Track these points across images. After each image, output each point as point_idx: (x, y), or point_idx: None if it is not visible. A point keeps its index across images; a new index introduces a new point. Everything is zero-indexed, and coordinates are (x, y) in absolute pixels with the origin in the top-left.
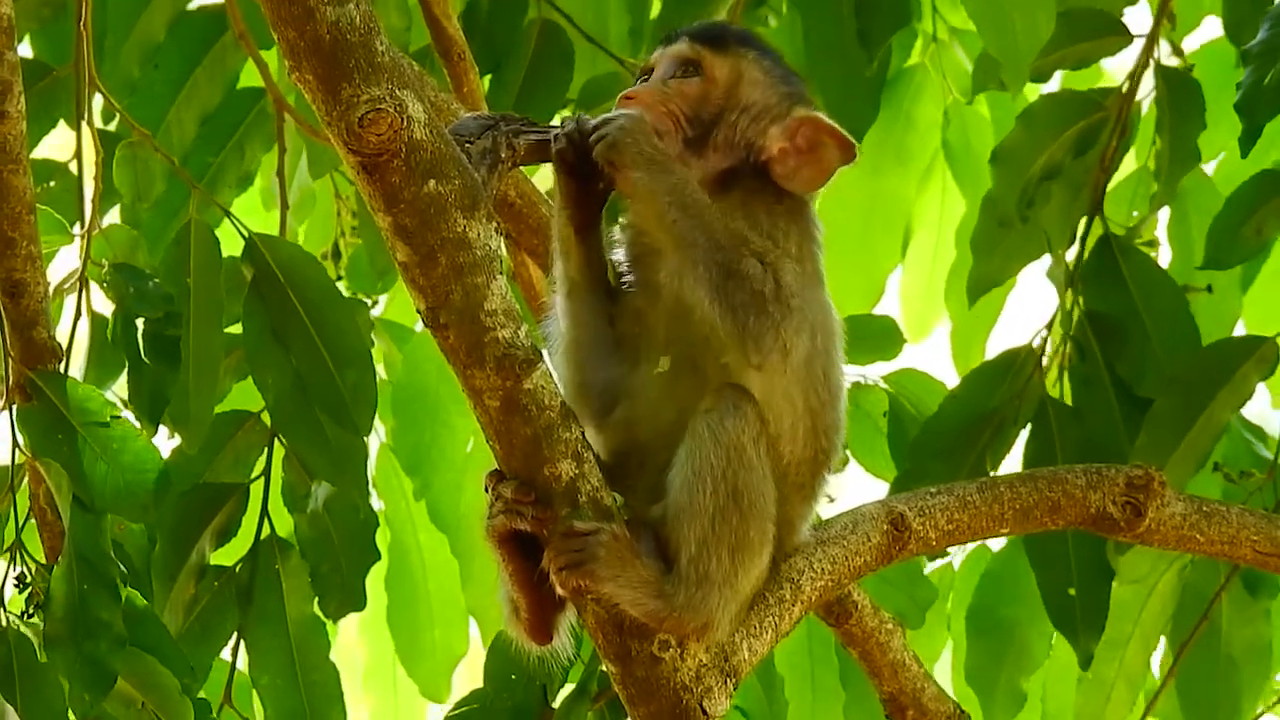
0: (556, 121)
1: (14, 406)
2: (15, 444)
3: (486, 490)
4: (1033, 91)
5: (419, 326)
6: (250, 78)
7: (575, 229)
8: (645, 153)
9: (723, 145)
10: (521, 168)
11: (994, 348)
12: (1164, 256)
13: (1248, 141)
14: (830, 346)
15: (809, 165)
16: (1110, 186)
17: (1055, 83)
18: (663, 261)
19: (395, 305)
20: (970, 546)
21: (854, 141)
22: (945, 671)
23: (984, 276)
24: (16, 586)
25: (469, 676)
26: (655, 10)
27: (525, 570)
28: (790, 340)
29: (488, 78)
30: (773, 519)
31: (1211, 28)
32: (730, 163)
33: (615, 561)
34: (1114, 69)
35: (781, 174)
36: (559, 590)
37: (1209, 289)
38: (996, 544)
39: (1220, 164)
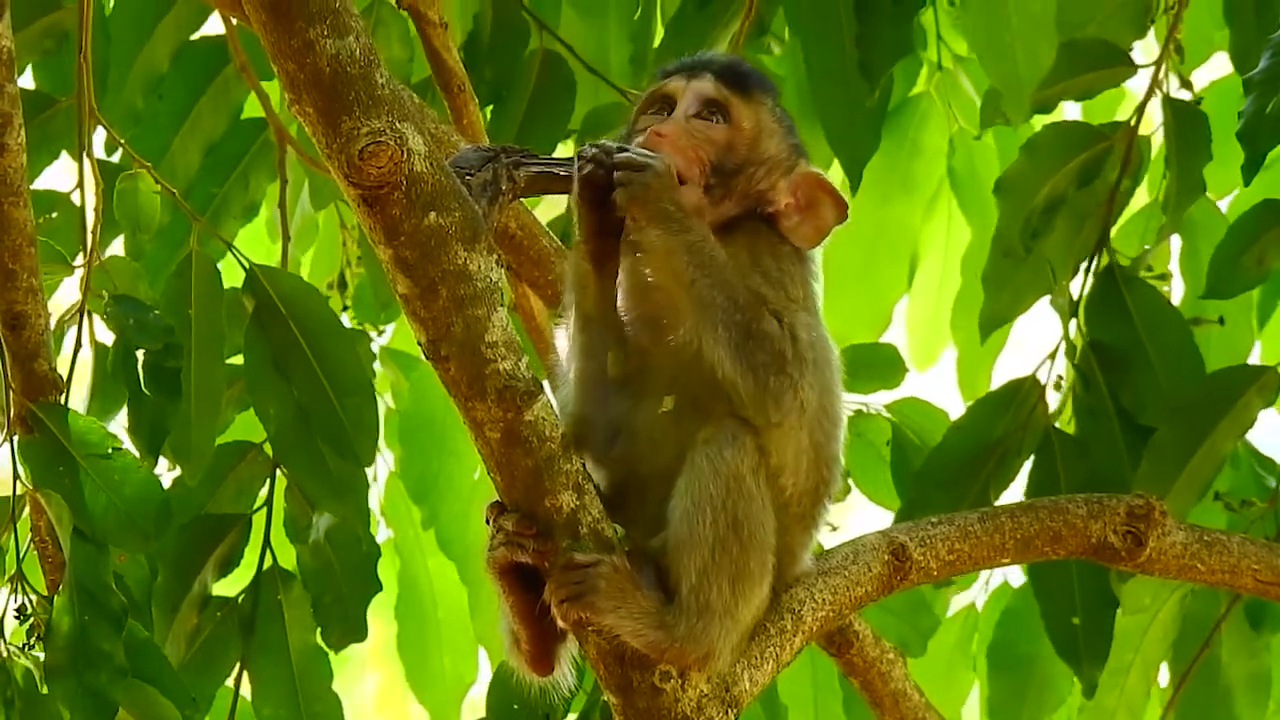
0: (559, 154)
1: (15, 438)
2: (16, 476)
3: (488, 522)
4: (1041, 122)
5: None
6: (254, 108)
7: (593, 263)
8: (666, 210)
9: (738, 195)
10: (522, 200)
11: (1000, 373)
12: (1177, 289)
13: (1250, 170)
14: (832, 382)
15: (808, 223)
16: (1121, 220)
17: (1073, 112)
18: (679, 317)
19: (402, 335)
20: (992, 586)
21: (847, 202)
22: (974, 713)
23: (995, 313)
24: (17, 618)
25: (480, 704)
26: (657, 38)
27: (526, 602)
28: (807, 395)
29: (488, 109)
30: (772, 549)
31: (1223, 64)
32: (741, 211)
33: (616, 593)
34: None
35: (787, 228)
36: (560, 622)
37: (1220, 321)
38: (1018, 580)
39: (1235, 200)
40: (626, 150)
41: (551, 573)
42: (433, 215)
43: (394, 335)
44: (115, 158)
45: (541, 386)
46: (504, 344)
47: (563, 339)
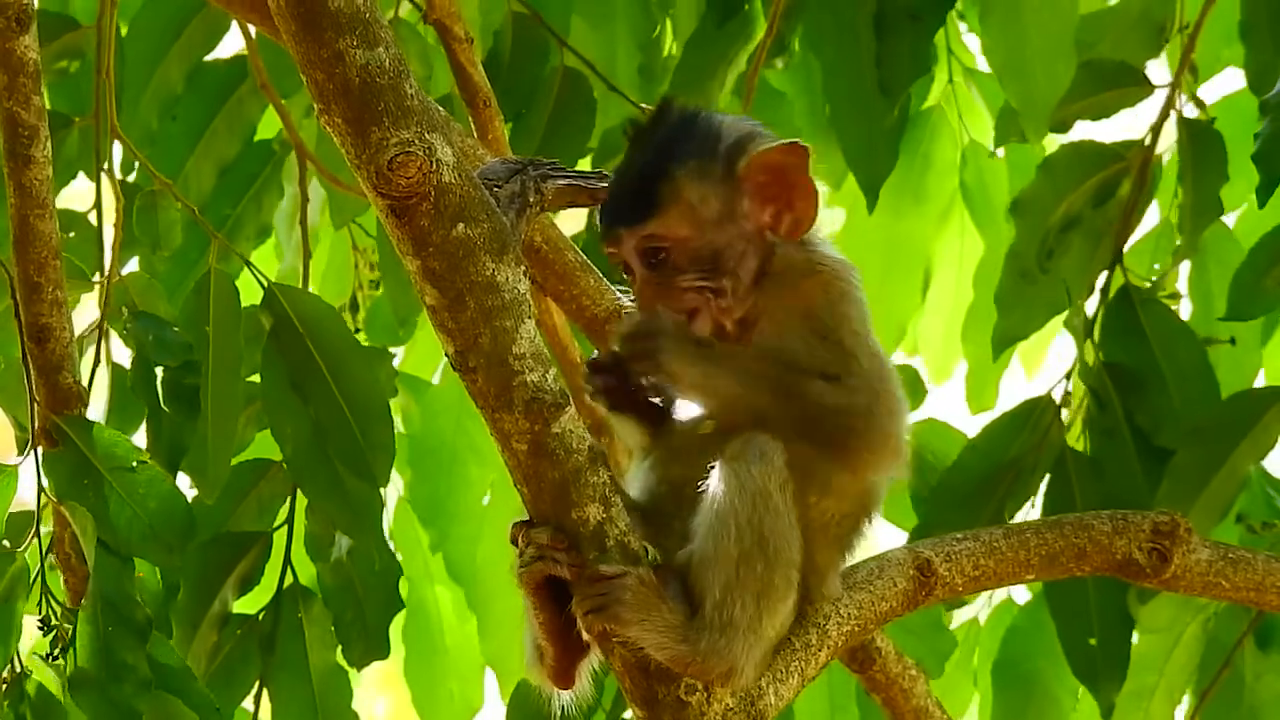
0: (583, 166)
1: (40, 451)
2: (41, 488)
3: (514, 541)
4: (1050, 140)
5: (436, 379)
6: (267, 129)
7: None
8: (688, 352)
9: (736, 266)
10: (549, 212)
11: (1008, 387)
12: (1184, 309)
13: (1265, 192)
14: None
15: (793, 198)
16: (1133, 240)
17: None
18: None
19: (412, 358)
20: (996, 600)
21: (802, 152)
22: None
23: (1008, 331)
24: (41, 630)
25: None
26: (666, 48)
27: (556, 617)
28: (881, 434)
29: (509, 126)
30: (798, 565)
31: (1233, 79)
32: (756, 263)
33: (641, 605)
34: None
35: (790, 230)
36: (585, 634)
37: (1232, 341)
38: (1022, 597)
39: (1241, 216)
40: (623, 341)
41: (578, 585)
42: (461, 226)
43: (404, 358)
44: (131, 177)
45: (568, 399)
46: (531, 356)
47: None
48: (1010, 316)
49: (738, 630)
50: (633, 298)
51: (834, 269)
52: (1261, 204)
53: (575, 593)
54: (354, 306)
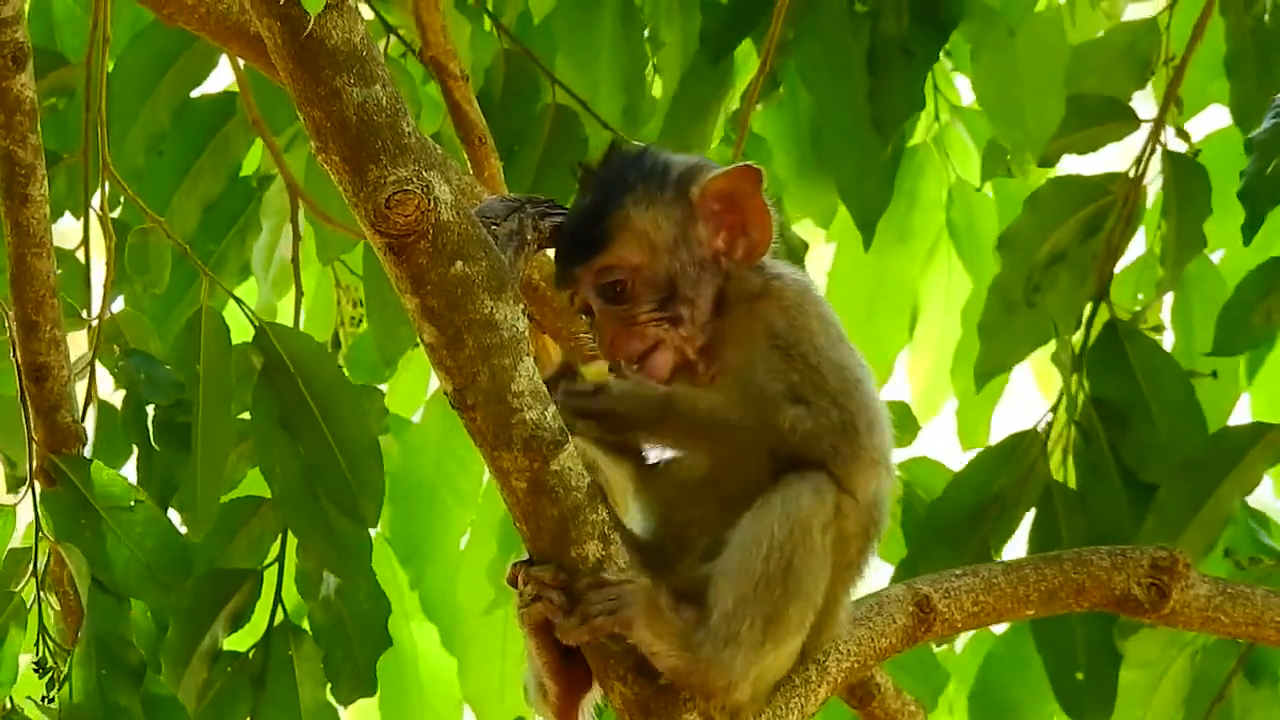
0: None
1: (38, 490)
2: (38, 529)
3: (513, 582)
4: (1036, 174)
5: (416, 418)
6: (250, 163)
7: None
8: (651, 417)
9: (693, 293)
10: (546, 250)
11: (1000, 420)
12: (1167, 341)
13: (1250, 230)
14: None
15: (747, 222)
16: (1117, 271)
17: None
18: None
19: (394, 396)
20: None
21: (755, 174)
22: None
23: (992, 361)
24: (36, 671)
25: None
26: (650, 86)
27: (558, 657)
28: (860, 447)
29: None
30: (817, 609)
31: (1221, 114)
32: (713, 290)
33: (649, 609)
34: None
35: (747, 254)
36: (589, 636)
37: (1214, 374)
38: (999, 626)
39: (1227, 251)
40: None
41: (583, 593)
42: (459, 264)
43: (387, 396)
44: (116, 214)
45: (567, 436)
46: (530, 393)
47: None
48: (994, 347)
49: (740, 646)
50: (594, 340)
51: (789, 285)
52: (1247, 241)
53: (584, 600)
54: (335, 344)
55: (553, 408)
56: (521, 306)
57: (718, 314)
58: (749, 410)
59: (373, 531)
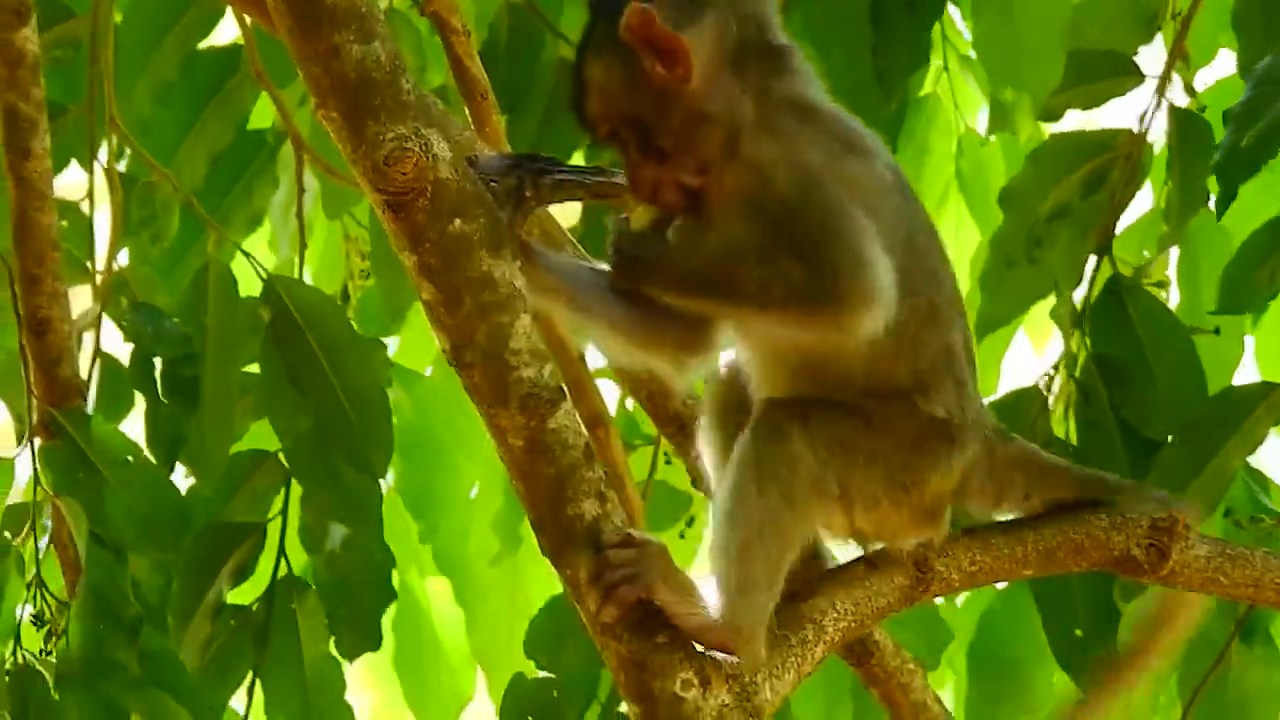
0: (579, 158)
1: (37, 443)
2: (37, 481)
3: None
4: (1042, 129)
5: (428, 371)
6: (259, 119)
7: None
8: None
9: (663, 124)
10: (546, 207)
11: (1007, 372)
12: (1173, 298)
13: (1222, 205)
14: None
15: (656, 46)
16: (1123, 228)
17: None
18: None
19: (404, 349)
20: None
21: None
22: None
23: (992, 315)
24: (34, 624)
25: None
26: None
27: None
28: (851, 283)
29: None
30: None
31: (1230, 64)
32: (690, 115)
33: (667, 568)
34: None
35: (683, 76)
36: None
37: (1216, 331)
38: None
39: (1234, 207)
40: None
41: (600, 570)
42: (458, 222)
43: (398, 350)
44: (122, 166)
45: (564, 394)
46: (528, 351)
47: None
48: (994, 301)
49: (746, 593)
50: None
51: (779, 126)
52: (1219, 216)
53: (601, 577)
54: (345, 297)
55: (550, 365)
56: (519, 264)
57: (726, 148)
58: (741, 269)
59: (384, 485)
